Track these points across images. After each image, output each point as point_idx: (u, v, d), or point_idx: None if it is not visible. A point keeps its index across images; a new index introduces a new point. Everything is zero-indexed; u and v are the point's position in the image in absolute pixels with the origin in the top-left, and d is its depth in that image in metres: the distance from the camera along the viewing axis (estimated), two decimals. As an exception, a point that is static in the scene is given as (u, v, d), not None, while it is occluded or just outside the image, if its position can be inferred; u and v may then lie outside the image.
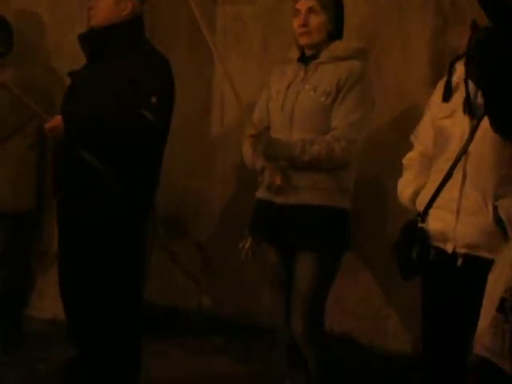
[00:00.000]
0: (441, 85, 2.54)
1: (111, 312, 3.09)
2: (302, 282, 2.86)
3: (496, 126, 2.20)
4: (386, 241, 3.08)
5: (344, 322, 3.51)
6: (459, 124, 2.37)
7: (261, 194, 2.97)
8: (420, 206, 2.45)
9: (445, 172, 2.37)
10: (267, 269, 3.00)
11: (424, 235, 2.40)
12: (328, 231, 2.86)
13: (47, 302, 4.05)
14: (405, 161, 2.63)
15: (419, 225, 2.41)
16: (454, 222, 2.33)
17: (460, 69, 2.44)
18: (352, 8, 3.13)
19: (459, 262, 2.34)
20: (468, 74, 2.31)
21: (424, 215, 2.41)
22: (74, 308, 3.15)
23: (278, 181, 2.82)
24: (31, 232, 3.94)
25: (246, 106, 2.87)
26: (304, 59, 2.93)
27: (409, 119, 2.84)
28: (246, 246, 2.99)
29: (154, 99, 2.95)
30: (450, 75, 2.41)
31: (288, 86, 2.91)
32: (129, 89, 2.94)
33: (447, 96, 2.40)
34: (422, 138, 2.57)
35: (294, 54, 2.98)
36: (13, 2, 3.99)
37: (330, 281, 2.91)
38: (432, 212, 2.40)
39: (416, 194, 2.50)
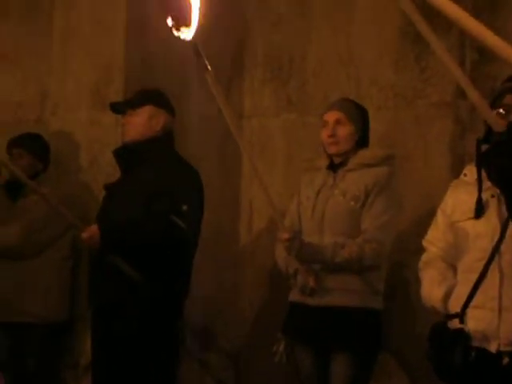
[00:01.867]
0: (453, 188, 2.61)
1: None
2: (337, 384, 2.87)
3: None
4: (417, 341, 3.09)
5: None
6: (487, 223, 2.42)
7: (294, 296, 3.03)
8: (454, 307, 2.46)
9: (477, 272, 2.39)
10: (301, 371, 3.02)
11: (464, 336, 2.38)
12: (361, 333, 2.90)
13: (78, 413, 4.01)
14: (421, 264, 2.66)
15: (459, 326, 2.40)
16: (497, 321, 2.34)
17: (471, 171, 2.53)
18: (373, 118, 3.27)
19: (505, 361, 2.33)
20: (488, 177, 2.40)
21: (462, 316, 2.41)
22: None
23: (311, 283, 2.88)
24: (63, 343, 3.97)
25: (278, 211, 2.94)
26: (333, 167, 3.05)
27: (431, 222, 2.91)
28: (280, 349, 3.02)
29: (185, 207, 3.08)
30: (480, 191, 2.46)
31: (318, 192, 3.02)
32: (161, 198, 3.08)
33: (480, 211, 2.45)
34: (437, 241, 2.61)
35: (323, 162, 3.10)
36: (51, 123, 4.19)
37: (366, 382, 2.93)
38: (470, 312, 2.40)
39: (447, 295, 2.51)
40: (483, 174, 2.44)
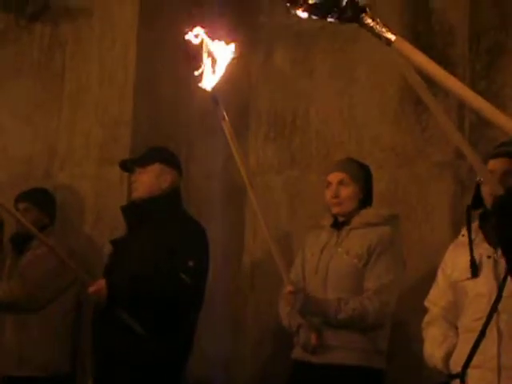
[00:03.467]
0: (452, 248, 2.67)
1: None
2: None
3: None
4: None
5: None
6: (485, 283, 2.47)
7: (297, 354, 3.04)
8: (455, 366, 2.49)
9: (476, 331, 2.44)
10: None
11: None
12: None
13: None
14: (424, 324, 2.70)
15: None
16: (497, 380, 2.38)
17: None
18: (374, 177, 3.32)
19: None
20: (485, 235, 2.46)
21: (462, 376, 2.44)
22: None
23: (313, 339, 2.90)
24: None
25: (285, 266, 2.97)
26: (337, 225, 3.10)
27: (433, 280, 2.95)
28: (285, 408, 3.02)
29: (191, 263, 3.13)
30: (472, 252, 2.52)
31: (322, 250, 3.07)
32: (168, 254, 3.13)
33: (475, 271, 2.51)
34: (439, 300, 2.66)
35: (327, 221, 3.15)
36: (59, 177, 4.26)
37: None
38: (470, 372, 2.43)
39: (448, 354, 2.55)
40: (480, 235, 2.52)
